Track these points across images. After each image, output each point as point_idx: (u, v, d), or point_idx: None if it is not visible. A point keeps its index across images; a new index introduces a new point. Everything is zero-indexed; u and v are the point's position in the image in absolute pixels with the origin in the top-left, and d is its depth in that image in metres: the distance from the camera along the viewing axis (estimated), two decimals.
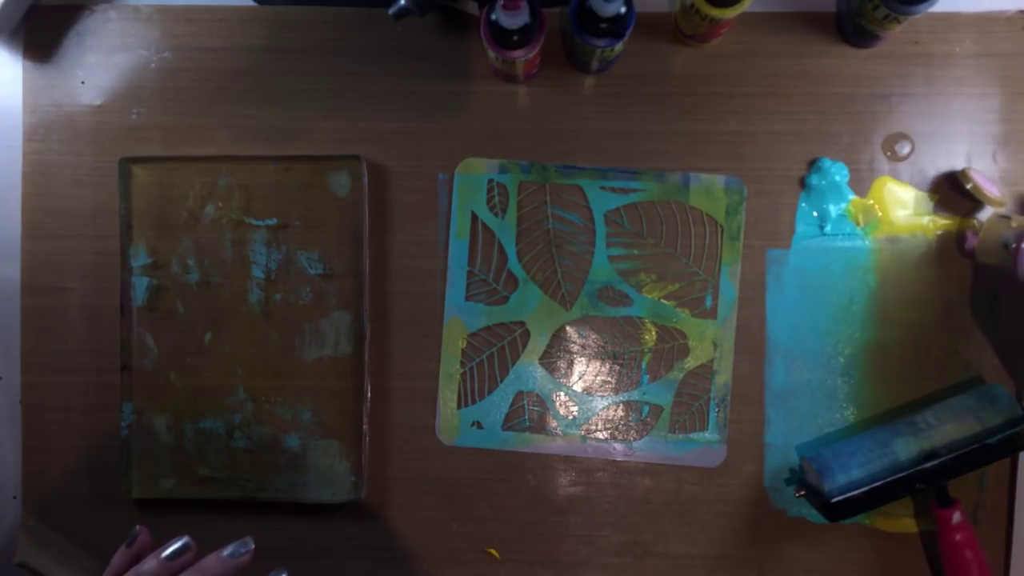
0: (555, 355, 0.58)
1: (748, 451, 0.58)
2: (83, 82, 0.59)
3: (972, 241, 0.56)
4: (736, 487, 0.58)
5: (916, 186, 0.58)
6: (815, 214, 0.58)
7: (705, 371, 0.58)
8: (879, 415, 0.58)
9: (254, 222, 0.58)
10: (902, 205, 0.58)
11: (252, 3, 0.59)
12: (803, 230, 0.58)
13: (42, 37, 0.59)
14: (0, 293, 0.59)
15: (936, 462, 0.53)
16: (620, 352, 0.58)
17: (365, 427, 0.57)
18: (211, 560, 0.42)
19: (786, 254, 0.58)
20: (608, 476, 0.58)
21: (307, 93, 0.59)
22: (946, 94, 0.58)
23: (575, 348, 0.58)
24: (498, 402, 0.59)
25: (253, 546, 0.43)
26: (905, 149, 0.58)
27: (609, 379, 0.58)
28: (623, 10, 0.49)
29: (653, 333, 0.58)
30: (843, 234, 0.57)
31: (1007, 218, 0.50)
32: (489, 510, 0.59)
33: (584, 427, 0.58)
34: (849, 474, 0.54)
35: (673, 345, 0.58)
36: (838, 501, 0.53)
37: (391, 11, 0.52)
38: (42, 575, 0.58)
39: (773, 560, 0.58)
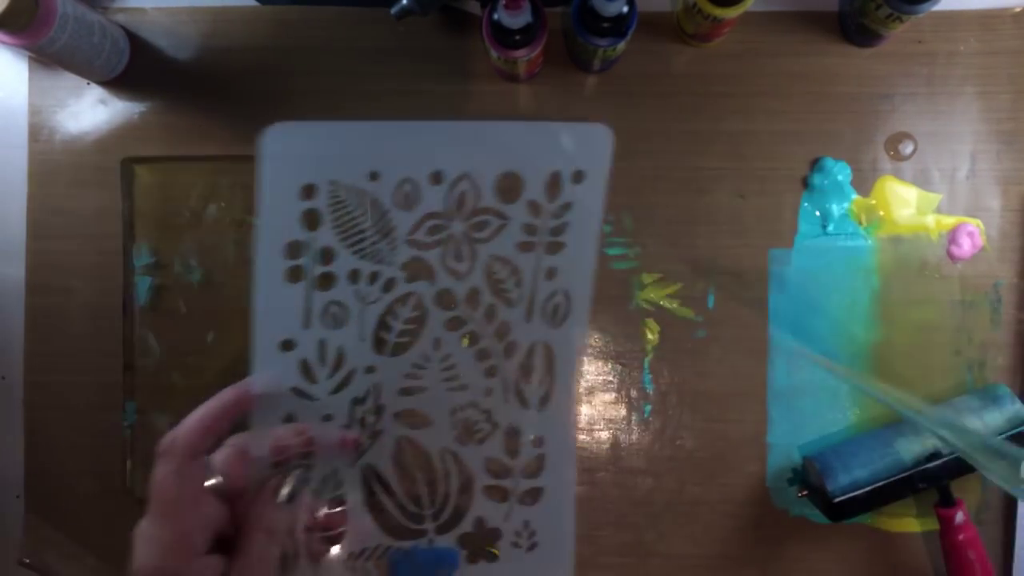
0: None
1: (751, 451, 0.58)
2: (88, 83, 0.59)
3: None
4: (739, 487, 0.58)
5: (919, 186, 0.58)
6: (817, 214, 0.57)
7: None
8: (882, 415, 0.57)
9: (256, 222, 0.58)
10: (905, 205, 0.57)
11: (255, 3, 0.59)
12: (806, 230, 0.58)
13: None
14: (5, 293, 0.60)
15: (939, 462, 0.53)
16: (622, 351, 0.58)
17: None
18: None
19: (788, 254, 0.58)
20: (610, 476, 0.58)
21: (309, 93, 0.59)
22: (949, 93, 0.58)
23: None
24: None
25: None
26: (908, 149, 0.58)
27: (611, 379, 0.58)
28: (625, 9, 0.49)
29: (656, 332, 0.58)
30: (846, 234, 0.57)
31: None
32: None
33: (587, 426, 0.58)
34: (852, 474, 0.54)
35: (676, 344, 0.58)
36: (841, 501, 0.53)
37: (393, 11, 0.52)
38: (45, 574, 0.58)
39: (775, 560, 0.58)
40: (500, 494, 0.50)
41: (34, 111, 0.60)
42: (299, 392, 0.46)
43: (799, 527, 0.58)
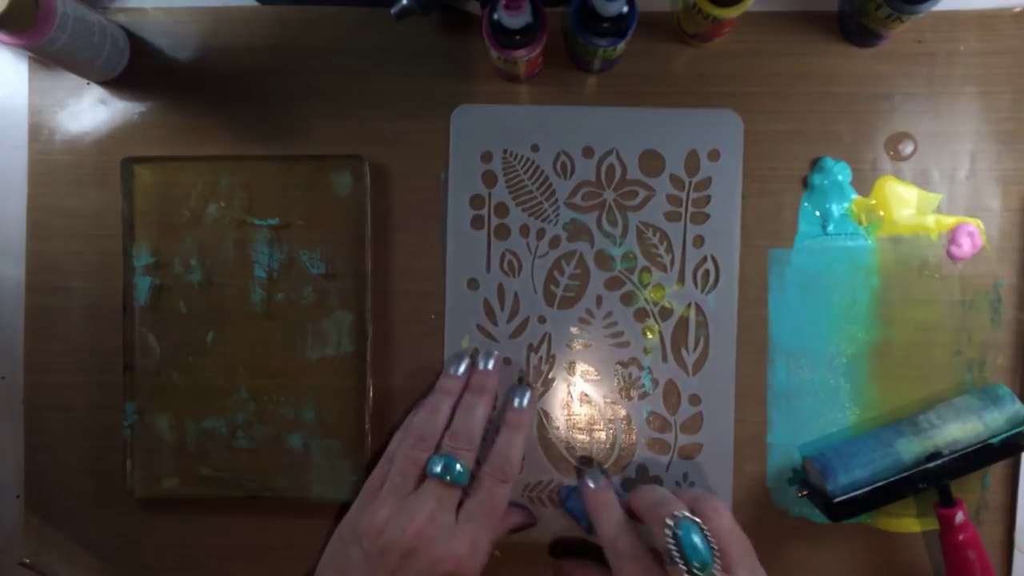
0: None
1: (751, 451, 0.58)
2: (88, 83, 0.59)
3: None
4: (738, 487, 0.58)
5: (919, 186, 0.58)
6: (817, 214, 0.57)
7: None
8: (882, 415, 0.57)
9: (256, 222, 0.58)
10: (905, 205, 0.57)
11: (255, 3, 0.59)
12: (805, 230, 0.58)
13: None
14: (5, 293, 0.60)
15: (939, 462, 0.53)
16: (622, 351, 0.58)
17: (367, 427, 0.57)
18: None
19: (788, 254, 0.58)
20: (610, 475, 0.58)
21: (309, 93, 0.59)
22: (950, 93, 0.58)
23: (578, 347, 0.58)
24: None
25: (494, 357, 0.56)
26: (908, 149, 0.58)
27: (611, 379, 0.58)
28: (625, 9, 0.49)
29: (657, 332, 0.58)
30: (846, 234, 0.57)
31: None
32: None
33: (586, 425, 0.58)
34: (852, 474, 0.54)
35: (676, 344, 0.58)
36: (841, 501, 0.53)
37: (393, 11, 0.52)
38: (45, 574, 0.58)
39: (775, 560, 0.58)
40: (661, 446, 0.57)
41: (34, 111, 0.60)
42: (483, 330, 0.57)
43: (799, 527, 0.58)
